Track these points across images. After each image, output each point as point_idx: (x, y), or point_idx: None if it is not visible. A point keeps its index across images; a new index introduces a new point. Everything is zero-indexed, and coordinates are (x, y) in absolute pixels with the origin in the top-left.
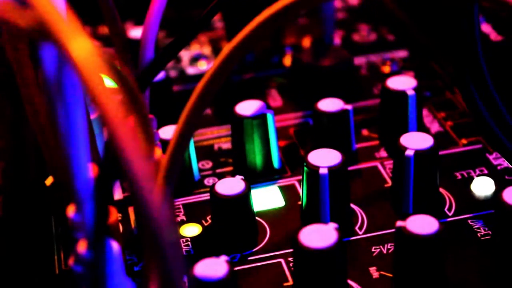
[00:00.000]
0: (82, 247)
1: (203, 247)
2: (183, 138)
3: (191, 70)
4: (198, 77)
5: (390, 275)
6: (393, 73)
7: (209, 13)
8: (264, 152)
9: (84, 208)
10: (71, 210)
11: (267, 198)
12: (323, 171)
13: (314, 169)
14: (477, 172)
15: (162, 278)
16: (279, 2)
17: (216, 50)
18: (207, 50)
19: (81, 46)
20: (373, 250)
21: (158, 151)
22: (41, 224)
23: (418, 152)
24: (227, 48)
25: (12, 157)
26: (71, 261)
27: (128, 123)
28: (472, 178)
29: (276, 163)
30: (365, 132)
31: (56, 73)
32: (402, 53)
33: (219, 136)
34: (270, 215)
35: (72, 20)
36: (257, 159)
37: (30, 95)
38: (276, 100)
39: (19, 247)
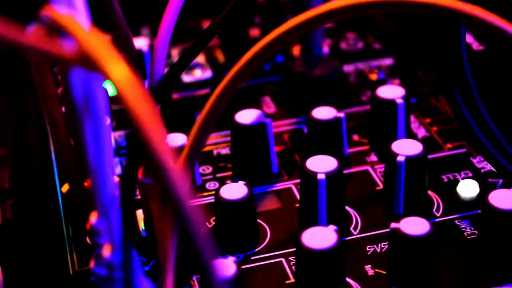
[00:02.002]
0: (107, 251)
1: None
2: (194, 149)
3: (187, 78)
4: (194, 85)
5: (384, 272)
6: (380, 81)
7: (216, 26)
8: (262, 158)
9: (110, 215)
10: (93, 217)
11: (266, 201)
12: (320, 176)
13: (312, 175)
14: (462, 175)
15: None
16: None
17: (210, 59)
18: (201, 58)
19: (119, 71)
20: (367, 249)
21: None
22: (52, 226)
23: (408, 158)
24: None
25: (18, 162)
26: (92, 264)
27: (163, 134)
28: (458, 181)
29: (274, 168)
30: (356, 137)
31: (84, 92)
32: (388, 61)
33: (217, 142)
34: (269, 217)
35: (109, 47)
36: (256, 164)
37: (51, 109)
38: (270, 107)
39: (31, 249)
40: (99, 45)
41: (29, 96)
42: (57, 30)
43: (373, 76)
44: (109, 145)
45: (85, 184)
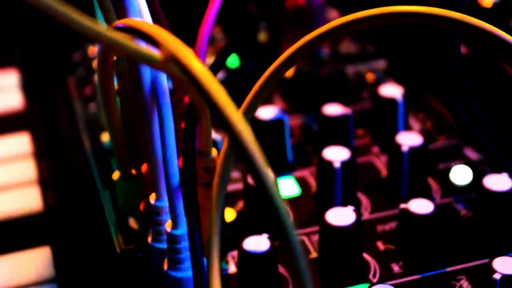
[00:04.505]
0: (169, 227)
1: (239, 228)
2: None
3: None
4: None
5: (393, 247)
6: (376, 81)
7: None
8: (280, 150)
9: (174, 194)
10: (152, 198)
11: (284, 187)
12: (336, 164)
13: (329, 163)
14: (456, 163)
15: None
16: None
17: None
18: (210, 61)
19: (199, 67)
20: (378, 227)
21: (214, 151)
22: (94, 212)
23: (412, 148)
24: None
25: (54, 155)
26: (149, 240)
27: (242, 118)
28: (451, 168)
29: (290, 158)
30: (360, 131)
31: (152, 83)
32: (382, 63)
33: None
34: (289, 201)
35: (186, 48)
36: (274, 155)
37: (110, 103)
38: (280, 104)
39: (78, 233)
40: (181, 46)
41: (59, 97)
42: (138, 35)
43: (370, 77)
44: (173, 131)
45: (133, 171)
